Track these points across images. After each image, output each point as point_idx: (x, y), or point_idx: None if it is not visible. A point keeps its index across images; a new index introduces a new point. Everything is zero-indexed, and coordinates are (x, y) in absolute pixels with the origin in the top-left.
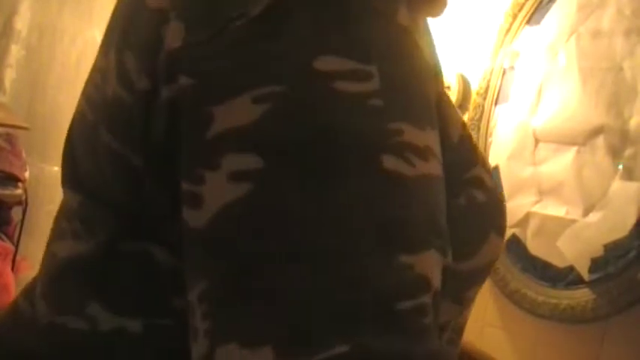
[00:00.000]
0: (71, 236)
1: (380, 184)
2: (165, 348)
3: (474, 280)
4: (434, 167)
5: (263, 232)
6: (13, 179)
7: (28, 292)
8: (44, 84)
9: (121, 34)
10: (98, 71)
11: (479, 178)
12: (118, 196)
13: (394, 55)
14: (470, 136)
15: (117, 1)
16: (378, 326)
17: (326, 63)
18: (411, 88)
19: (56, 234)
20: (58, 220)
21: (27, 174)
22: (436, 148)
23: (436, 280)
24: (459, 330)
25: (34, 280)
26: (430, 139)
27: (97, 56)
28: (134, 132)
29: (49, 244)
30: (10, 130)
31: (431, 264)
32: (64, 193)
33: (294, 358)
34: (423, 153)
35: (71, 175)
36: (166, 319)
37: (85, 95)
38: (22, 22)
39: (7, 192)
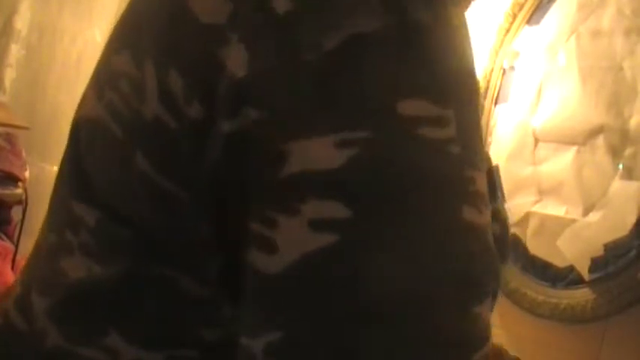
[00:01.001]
0: (81, 253)
1: (461, 236)
2: None
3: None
4: (489, 212)
5: (348, 287)
6: (13, 179)
7: (19, 302)
8: (44, 84)
9: (161, 44)
10: (125, 78)
11: (497, 212)
12: (149, 220)
13: (464, 97)
14: (492, 169)
15: (130, 6)
16: None
17: (409, 107)
18: (475, 136)
19: (61, 247)
20: (58, 226)
21: (27, 174)
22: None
23: (491, 325)
24: None
25: (22, 286)
26: (485, 184)
27: (116, 55)
28: (178, 162)
29: (49, 251)
30: (10, 130)
31: (489, 308)
32: (69, 203)
33: None
34: (485, 200)
35: (81, 188)
36: (190, 351)
37: (108, 105)
38: (22, 22)
39: (7, 192)
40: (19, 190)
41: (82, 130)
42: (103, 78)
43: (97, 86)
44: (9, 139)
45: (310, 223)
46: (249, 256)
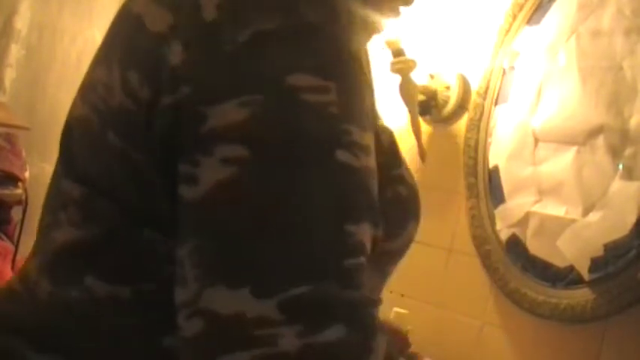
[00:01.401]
0: (68, 224)
1: (335, 171)
2: (151, 309)
3: (396, 257)
4: (372, 161)
5: (247, 203)
6: (13, 179)
7: (23, 277)
8: (44, 83)
9: (124, 54)
10: (101, 84)
11: (402, 176)
12: (122, 189)
13: (345, 75)
14: (395, 142)
15: (113, 21)
16: (330, 276)
17: (296, 79)
18: (356, 101)
19: (53, 223)
20: (53, 209)
21: (27, 174)
22: (372, 147)
23: (368, 245)
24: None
25: (26, 268)
26: (369, 139)
27: (97, 68)
28: (137, 133)
29: (43, 231)
30: (10, 130)
31: (366, 233)
32: (60, 183)
33: (266, 294)
34: (365, 149)
35: (70, 168)
36: (149, 284)
37: (90, 104)
38: (22, 22)
39: (7, 192)
40: (19, 190)
41: (73, 127)
42: (87, 86)
43: (82, 93)
44: (9, 139)
45: (220, 161)
46: (179, 191)
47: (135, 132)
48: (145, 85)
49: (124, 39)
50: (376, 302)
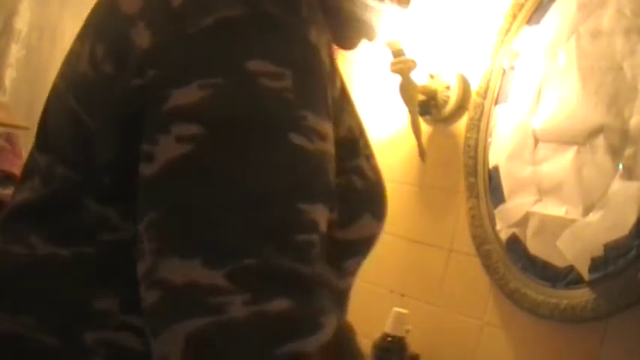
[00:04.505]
0: (29, 189)
1: (289, 153)
2: (86, 272)
3: (351, 251)
4: (328, 147)
5: (199, 179)
6: (13, 179)
7: None
8: (44, 83)
9: (97, 30)
10: (74, 54)
11: (360, 169)
12: (73, 154)
13: (301, 63)
14: (363, 134)
15: (95, 4)
16: (278, 249)
17: (254, 65)
18: (312, 88)
19: (17, 191)
20: (22, 180)
21: None
22: (330, 134)
23: (323, 226)
24: (344, 297)
25: None
26: (326, 126)
27: (75, 42)
28: (94, 101)
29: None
30: (10, 130)
31: (320, 213)
32: (32, 156)
33: (217, 264)
34: (320, 134)
35: (42, 140)
36: (89, 248)
37: (61, 72)
38: (22, 22)
39: (7, 192)
40: None
41: (49, 101)
42: (64, 60)
43: (60, 68)
44: (9, 139)
45: (176, 138)
46: (140, 169)
47: (92, 100)
48: (109, 61)
49: (100, 17)
50: (330, 283)
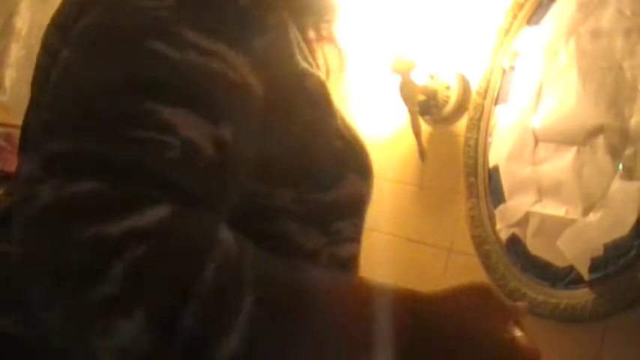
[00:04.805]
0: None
1: (139, 53)
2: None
3: (339, 213)
4: (218, 65)
5: (56, 86)
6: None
7: None
8: None
9: (57, 18)
10: (43, 45)
11: (338, 129)
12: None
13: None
14: (327, 92)
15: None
16: (98, 137)
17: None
18: (202, 10)
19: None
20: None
21: None
22: (227, 59)
23: (188, 132)
24: (348, 266)
25: None
26: (219, 48)
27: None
28: (44, 84)
29: None
30: (10, 130)
31: (182, 119)
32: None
33: (35, 151)
34: (204, 50)
35: (23, 142)
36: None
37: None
38: (22, 22)
39: None
40: None
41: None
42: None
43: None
44: (9, 139)
45: (59, 66)
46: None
47: (44, 84)
48: (57, 43)
49: (62, 5)
50: (213, 200)
